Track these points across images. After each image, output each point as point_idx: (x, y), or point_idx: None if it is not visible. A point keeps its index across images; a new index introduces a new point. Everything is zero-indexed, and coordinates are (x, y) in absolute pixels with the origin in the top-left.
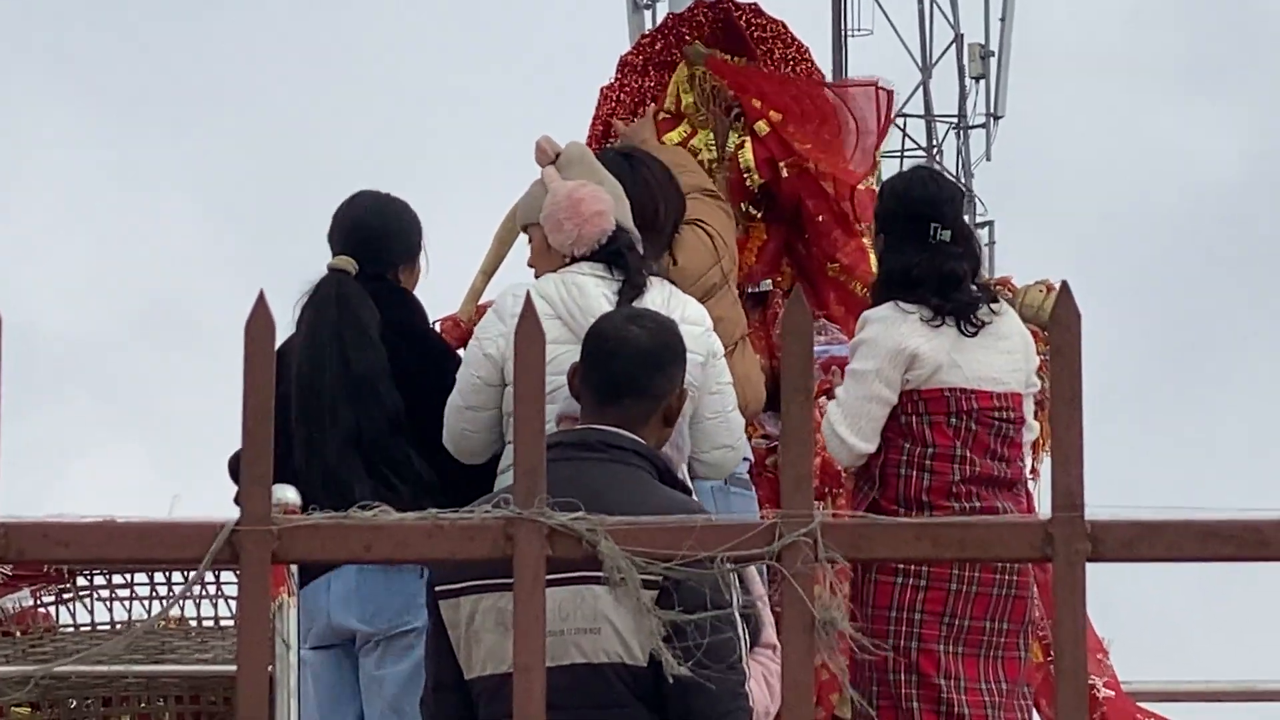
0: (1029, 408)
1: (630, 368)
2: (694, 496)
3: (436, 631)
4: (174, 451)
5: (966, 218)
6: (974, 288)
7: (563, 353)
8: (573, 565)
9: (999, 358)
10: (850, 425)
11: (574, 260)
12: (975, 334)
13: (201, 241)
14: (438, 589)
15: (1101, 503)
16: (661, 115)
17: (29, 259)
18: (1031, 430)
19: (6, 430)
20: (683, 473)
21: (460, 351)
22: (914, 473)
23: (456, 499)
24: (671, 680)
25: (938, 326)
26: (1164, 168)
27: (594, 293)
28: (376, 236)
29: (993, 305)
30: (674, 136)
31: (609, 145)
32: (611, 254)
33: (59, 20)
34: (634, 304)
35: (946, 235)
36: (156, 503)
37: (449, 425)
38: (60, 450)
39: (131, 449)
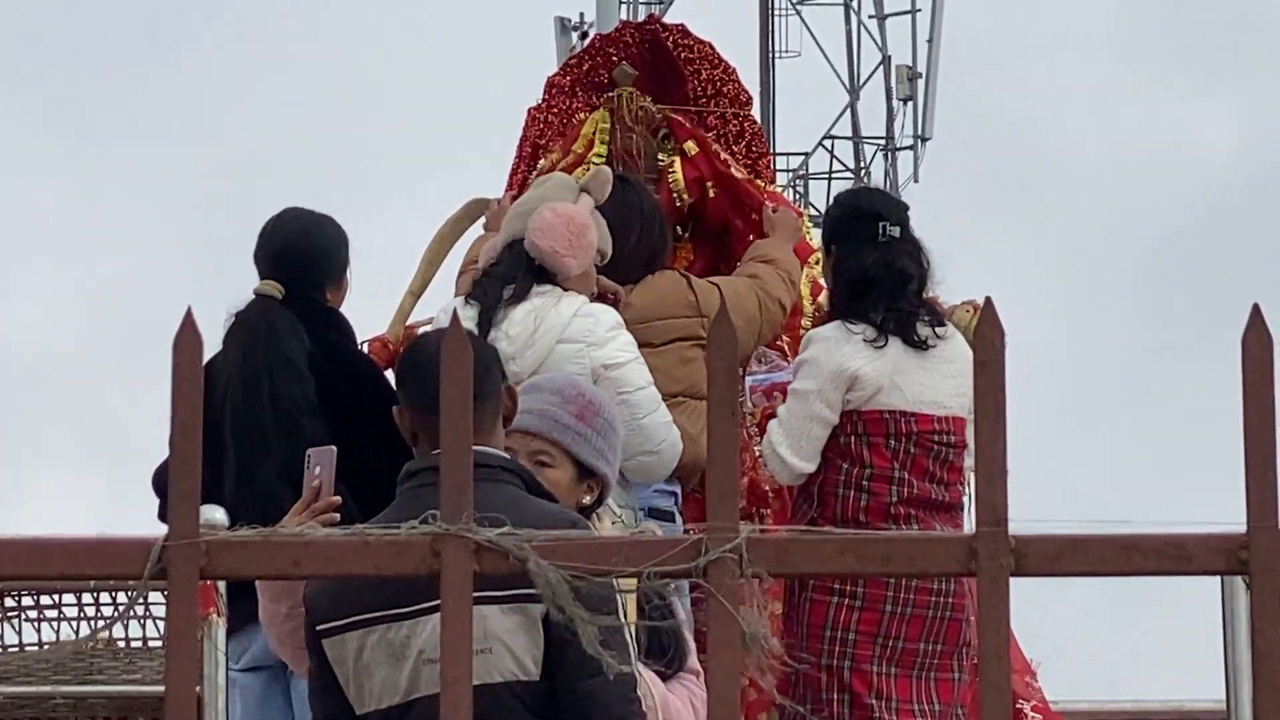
0: (970, 431)
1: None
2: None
3: (321, 670)
4: (136, 467)
5: None
6: (920, 303)
7: None
8: (480, 585)
9: (943, 381)
10: (790, 445)
11: None
12: (921, 352)
13: (168, 265)
14: (319, 628)
15: (1041, 516)
16: (568, 157)
17: (2, 283)
18: (973, 454)
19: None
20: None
21: (388, 372)
22: (851, 493)
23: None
24: (565, 693)
25: (881, 347)
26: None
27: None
28: (304, 258)
29: (938, 329)
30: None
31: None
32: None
33: (29, 51)
34: (497, 318)
35: (896, 231)
36: (116, 519)
37: None
38: (27, 466)
39: (96, 465)
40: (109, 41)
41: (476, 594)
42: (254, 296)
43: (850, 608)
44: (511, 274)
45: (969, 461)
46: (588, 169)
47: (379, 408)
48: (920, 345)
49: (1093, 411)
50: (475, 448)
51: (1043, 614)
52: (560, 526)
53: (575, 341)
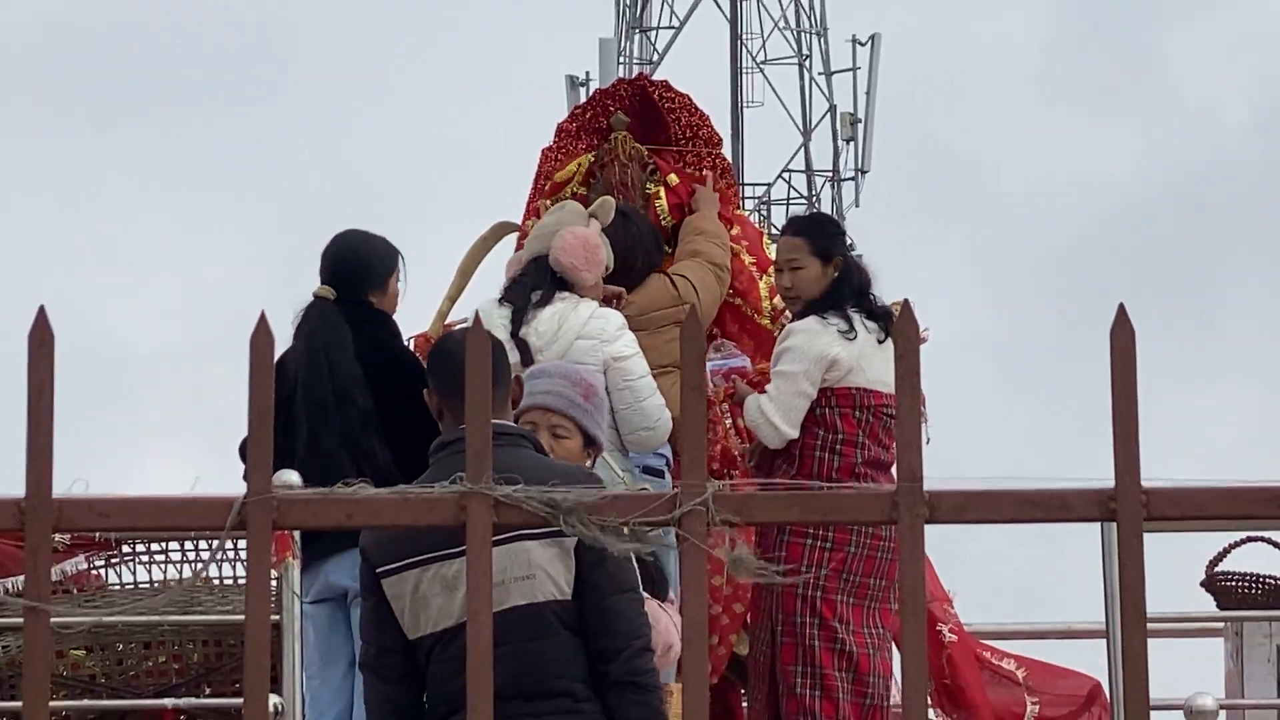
0: None
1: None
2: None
3: (378, 604)
4: (232, 441)
5: None
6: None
7: None
8: (509, 528)
9: (888, 365)
10: (782, 415)
11: None
12: (879, 342)
13: (255, 273)
14: (379, 570)
15: (963, 475)
16: (549, 183)
17: (121, 287)
18: None
19: (93, 426)
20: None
21: None
22: (826, 455)
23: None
24: (593, 608)
25: (852, 339)
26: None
27: (495, 317)
28: (351, 270)
29: (886, 325)
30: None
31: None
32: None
33: (139, 92)
34: (527, 318)
35: (857, 252)
36: (215, 482)
37: None
38: (137, 444)
39: (199, 439)
40: (204, 83)
41: (522, 532)
42: (312, 298)
43: (822, 549)
44: (537, 283)
45: None
46: (563, 198)
47: (415, 390)
48: (883, 334)
49: (1013, 385)
50: (495, 421)
51: (957, 552)
52: (577, 476)
53: (591, 338)
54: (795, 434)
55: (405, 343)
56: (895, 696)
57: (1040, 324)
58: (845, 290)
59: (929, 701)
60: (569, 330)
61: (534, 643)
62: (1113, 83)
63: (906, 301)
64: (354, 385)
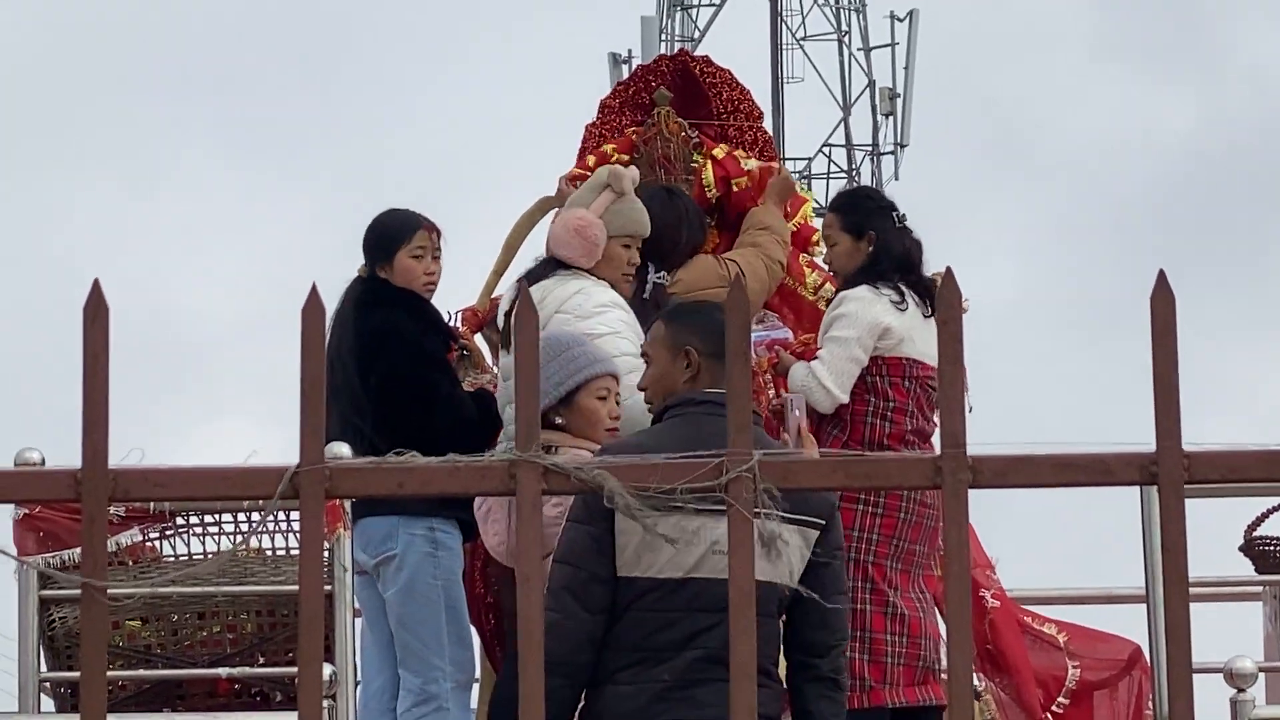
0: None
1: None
2: None
3: (602, 535)
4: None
5: None
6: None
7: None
8: (669, 493)
9: (933, 338)
10: (835, 380)
11: None
12: (926, 315)
13: (317, 249)
14: None
15: (1028, 438)
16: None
17: (184, 260)
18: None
19: (159, 396)
20: None
21: (479, 336)
22: (878, 421)
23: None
24: (816, 602)
25: (904, 309)
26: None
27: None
28: (366, 245)
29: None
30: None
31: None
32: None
33: (209, 78)
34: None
35: (904, 217)
36: (283, 452)
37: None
38: (202, 414)
39: (264, 408)
40: (268, 71)
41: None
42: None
43: (874, 515)
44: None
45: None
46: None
47: (415, 370)
48: (929, 309)
49: (1067, 349)
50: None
51: (1000, 521)
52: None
53: (566, 314)
54: (845, 398)
55: (425, 323)
56: (945, 661)
57: (1096, 286)
58: (883, 264)
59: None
60: (549, 305)
61: (759, 619)
62: (1168, 43)
63: (949, 270)
64: (349, 366)
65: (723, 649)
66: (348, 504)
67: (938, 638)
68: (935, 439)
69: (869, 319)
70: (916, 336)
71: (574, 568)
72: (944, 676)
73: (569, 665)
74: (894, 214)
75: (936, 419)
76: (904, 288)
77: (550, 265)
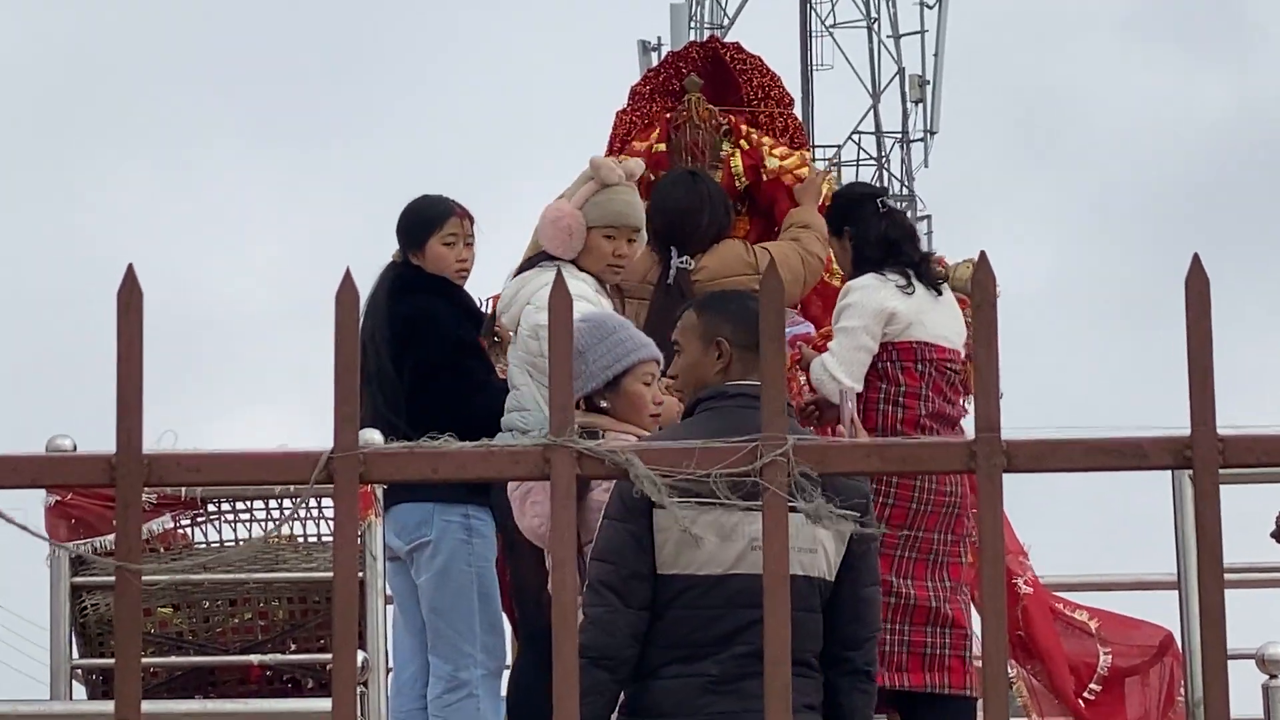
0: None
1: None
2: None
3: (643, 531)
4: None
5: (910, 213)
6: (924, 258)
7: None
8: (704, 479)
9: (950, 321)
10: (844, 369)
11: None
12: (936, 296)
13: (350, 236)
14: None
15: (1066, 421)
16: (657, 148)
17: (218, 248)
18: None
19: (189, 383)
20: None
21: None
22: (890, 408)
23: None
24: (850, 593)
25: (910, 293)
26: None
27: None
28: (397, 229)
29: (940, 282)
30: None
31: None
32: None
33: (241, 71)
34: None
35: (885, 208)
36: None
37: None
38: (233, 401)
39: (295, 394)
40: (301, 61)
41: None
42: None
43: (883, 504)
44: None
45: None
46: (653, 157)
47: (448, 357)
48: (937, 290)
49: (1104, 333)
50: (751, 382)
51: (1033, 509)
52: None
53: (532, 305)
54: (858, 387)
55: (458, 310)
56: (978, 648)
57: (1133, 270)
58: (867, 253)
59: None
60: (522, 296)
61: (800, 614)
62: (1205, 24)
63: (983, 254)
64: (382, 354)
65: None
66: (379, 490)
67: (962, 626)
68: (967, 423)
69: (874, 306)
70: (927, 319)
71: (614, 565)
72: (976, 665)
73: (614, 659)
74: (875, 200)
75: (964, 403)
76: (910, 271)
77: (541, 257)
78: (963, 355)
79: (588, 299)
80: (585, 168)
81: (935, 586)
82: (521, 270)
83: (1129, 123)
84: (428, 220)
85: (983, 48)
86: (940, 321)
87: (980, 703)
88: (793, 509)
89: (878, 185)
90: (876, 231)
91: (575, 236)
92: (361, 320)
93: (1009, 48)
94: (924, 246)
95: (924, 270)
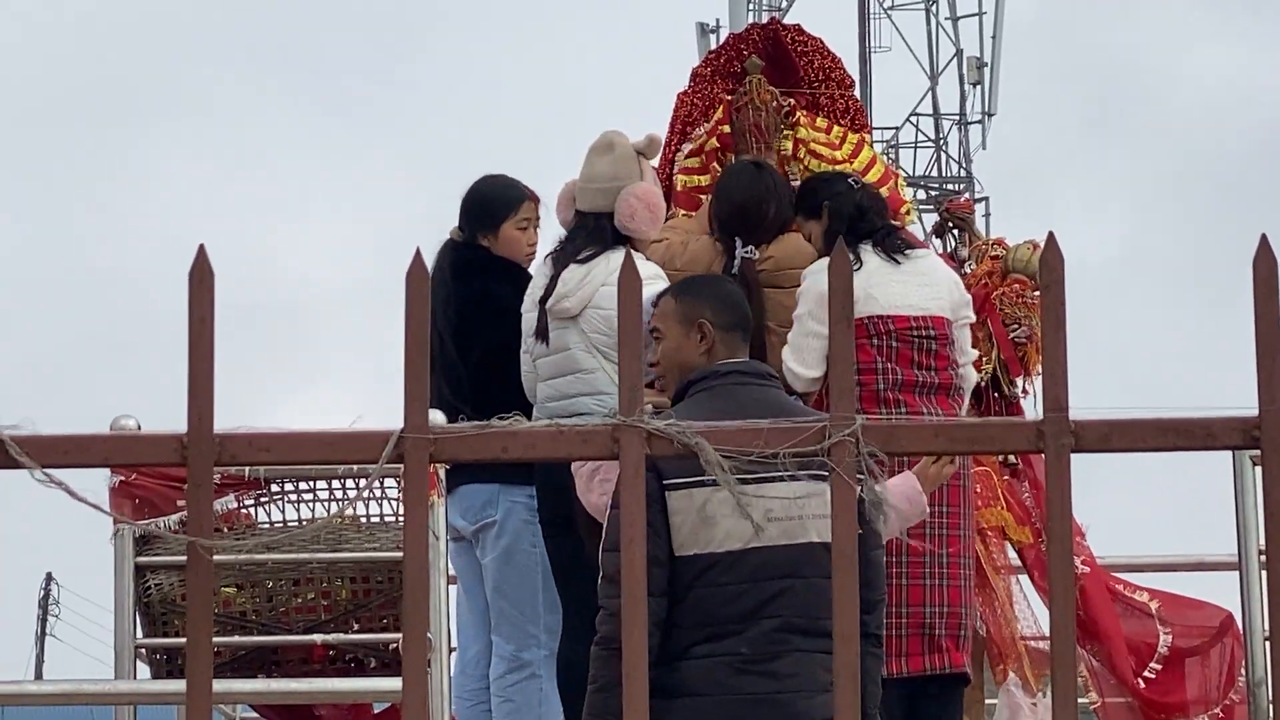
0: (962, 335)
1: (749, 314)
2: None
3: (656, 517)
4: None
5: (967, 195)
6: (887, 229)
7: (529, 318)
8: (808, 465)
9: (917, 289)
10: (796, 358)
11: None
12: (895, 265)
13: (415, 216)
14: (667, 482)
15: (1116, 404)
16: (722, 129)
17: (296, 232)
18: (965, 354)
19: (257, 363)
20: None
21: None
22: None
23: None
24: (862, 558)
25: (858, 269)
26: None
27: (539, 271)
28: (469, 209)
29: (907, 251)
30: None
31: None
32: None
33: (307, 55)
34: (566, 272)
35: (857, 184)
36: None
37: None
38: (308, 383)
39: (366, 374)
40: (365, 42)
41: (818, 472)
42: (447, 238)
43: None
44: (590, 242)
45: (963, 359)
46: (719, 138)
47: (502, 335)
48: (892, 259)
49: (1173, 312)
50: (757, 362)
51: (1089, 488)
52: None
53: (613, 287)
54: (815, 373)
55: (523, 292)
56: (1020, 628)
57: (1208, 242)
58: (835, 227)
59: None
60: (595, 277)
61: (822, 580)
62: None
63: (1050, 235)
64: (444, 335)
65: (797, 615)
66: (442, 470)
67: (958, 604)
68: (959, 390)
69: (816, 291)
70: (879, 292)
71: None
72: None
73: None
74: (847, 179)
75: (954, 369)
76: (865, 245)
77: (607, 245)
78: (946, 319)
79: (662, 278)
80: (627, 145)
81: (931, 559)
82: (566, 250)
83: (1199, 96)
84: (505, 203)
85: (1055, 19)
86: (899, 291)
87: (995, 675)
88: (805, 478)
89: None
90: (850, 205)
91: (662, 214)
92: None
93: (1081, 18)
94: (980, 227)
95: (886, 240)
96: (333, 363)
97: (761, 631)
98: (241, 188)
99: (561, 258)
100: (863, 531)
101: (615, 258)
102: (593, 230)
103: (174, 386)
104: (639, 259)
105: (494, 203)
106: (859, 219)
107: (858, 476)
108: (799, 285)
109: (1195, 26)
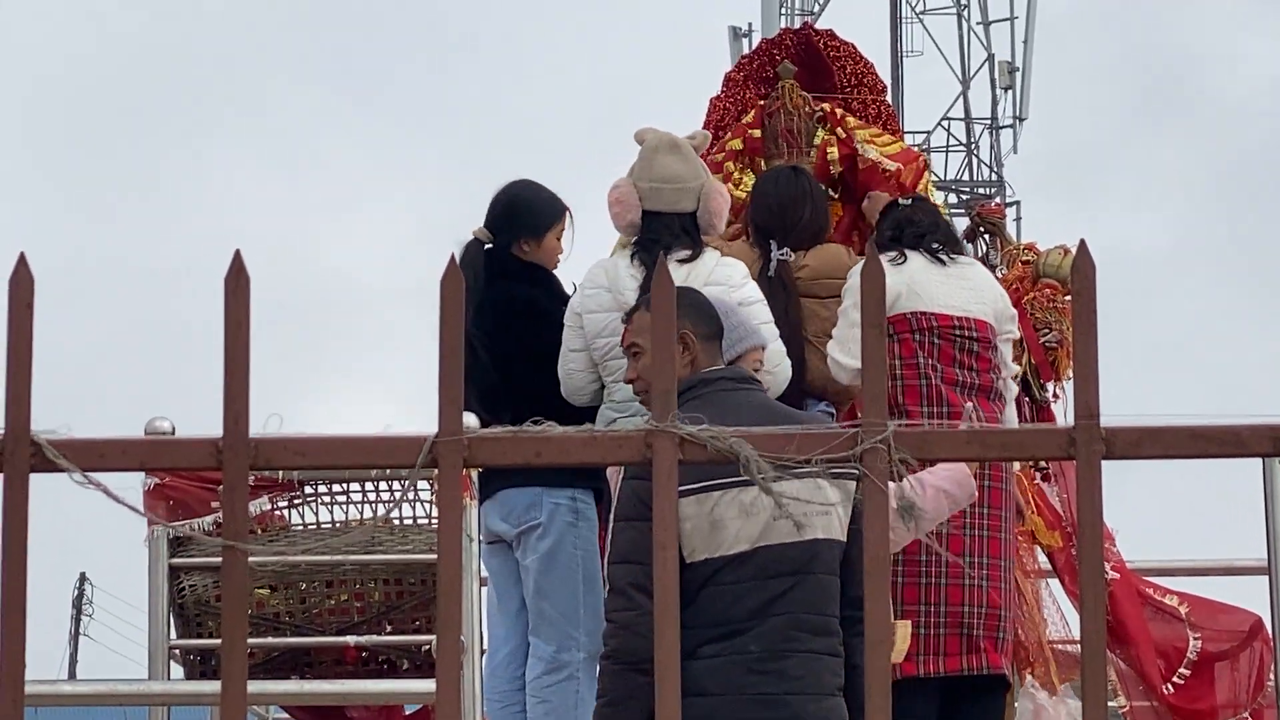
0: (1005, 349)
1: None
2: None
3: None
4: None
5: (998, 200)
6: (935, 235)
7: (611, 319)
8: (804, 463)
9: (963, 291)
10: (840, 349)
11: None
12: (941, 267)
13: (451, 216)
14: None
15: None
16: (753, 134)
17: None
18: (1007, 367)
19: (322, 357)
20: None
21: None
22: (888, 382)
23: None
24: (858, 555)
25: (900, 264)
26: None
27: (624, 273)
28: (509, 215)
29: (954, 256)
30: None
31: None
32: (639, 241)
33: (348, 58)
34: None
35: (908, 202)
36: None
37: (560, 365)
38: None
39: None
40: (403, 45)
41: (815, 472)
42: (470, 239)
43: None
44: (672, 241)
45: (1005, 371)
46: (747, 141)
47: (543, 345)
48: (938, 261)
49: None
50: (738, 368)
51: (1120, 492)
52: (804, 421)
53: (720, 284)
54: (858, 364)
55: (557, 297)
56: (1048, 631)
57: (1252, 243)
58: (881, 238)
59: None
60: (696, 278)
61: (825, 577)
62: None
63: (1082, 241)
64: (476, 343)
65: (805, 612)
66: (474, 474)
67: (997, 606)
68: (1000, 395)
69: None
70: (923, 290)
71: (639, 564)
72: (1063, 648)
73: (649, 660)
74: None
75: (997, 375)
76: (911, 244)
77: (695, 244)
78: (990, 325)
79: (750, 279)
80: (688, 143)
81: (972, 563)
82: (651, 252)
83: (1253, 88)
84: (553, 213)
85: (1106, 9)
86: (943, 290)
87: (1021, 678)
88: (805, 476)
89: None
90: (890, 218)
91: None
92: None
93: (1132, 8)
94: (1011, 232)
95: (931, 243)
96: (382, 364)
97: (770, 628)
98: (292, 186)
99: (649, 259)
100: (858, 529)
101: (710, 258)
102: (679, 231)
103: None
104: (732, 260)
105: (541, 211)
106: (907, 227)
107: (888, 481)
108: (835, 296)
109: (1242, 20)
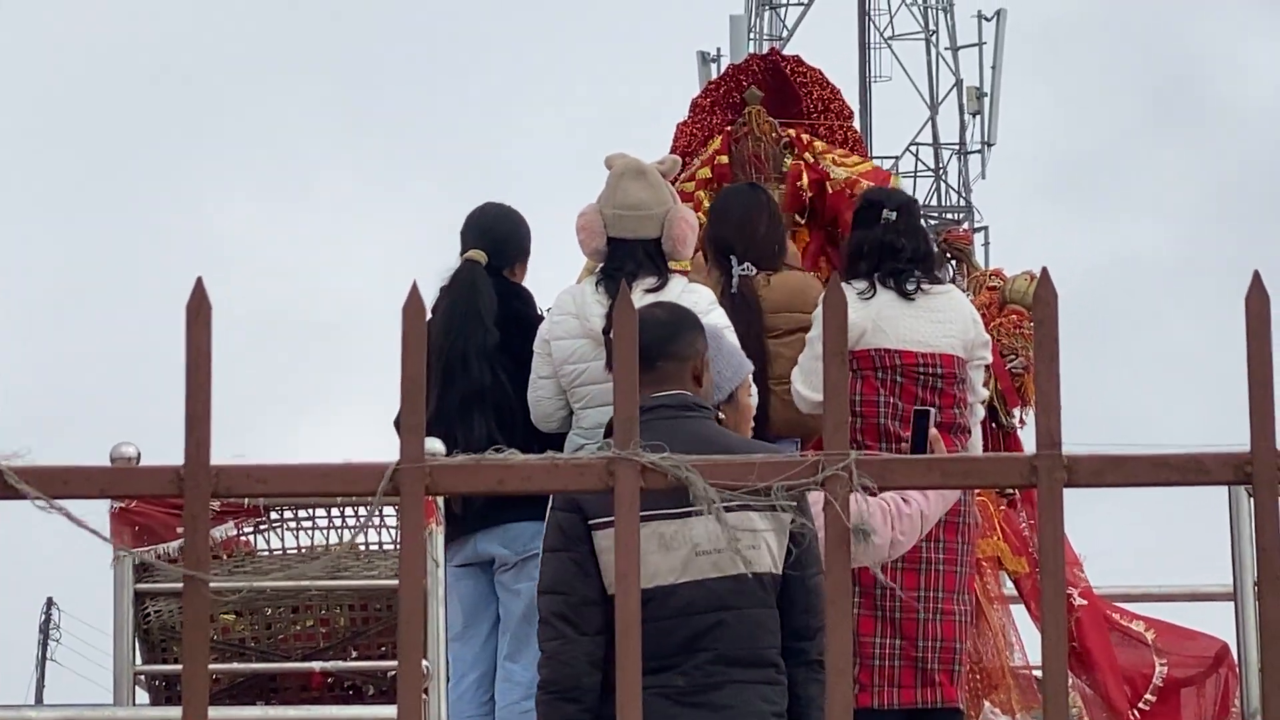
0: (975, 375)
1: (655, 337)
2: None
3: (585, 558)
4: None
5: (966, 225)
6: (914, 266)
7: (578, 345)
8: (736, 496)
9: (930, 326)
10: (804, 381)
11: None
12: (909, 302)
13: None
14: (593, 521)
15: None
16: (719, 160)
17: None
18: (975, 393)
19: (317, 381)
20: None
21: None
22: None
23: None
24: (799, 585)
25: (869, 299)
26: None
27: (591, 299)
28: (501, 239)
29: (929, 286)
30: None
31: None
32: (604, 268)
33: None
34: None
35: (893, 216)
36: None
37: (529, 392)
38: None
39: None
40: (391, 74)
41: (747, 502)
42: (463, 261)
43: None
44: (637, 269)
45: (972, 398)
46: (714, 168)
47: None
48: (908, 296)
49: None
50: (681, 393)
51: (1088, 519)
52: (754, 449)
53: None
54: (820, 397)
55: (539, 319)
56: (1013, 657)
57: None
58: (851, 257)
59: None
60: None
61: (757, 610)
62: None
63: (1044, 270)
64: (476, 355)
65: (732, 647)
66: (440, 499)
67: (952, 638)
68: (962, 428)
69: None
70: (889, 326)
71: (563, 595)
72: (1023, 673)
73: (578, 689)
74: (880, 209)
75: (960, 410)
76: (877, 278)
77: (661, 272)
78: (958, 358)
79: (717, 305)
80: (654, 169)
81: (926, 597)
82: (615, 279)
83: (1258, 99)
84: (529, 235)
85: (1104, 18)
86: (911, 326)
87: (979, 706)
88: (734, 508)
89: (902, 193)
90: (855, 241)
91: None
92: (455, 328)
93: (1140, 14)
94: (980, 259)
95: (900, 277)
96: (377, 384)
97: (696, 664)
98: (287, 209)
99: (613, 287)
100: (803, 559)
101: (676, 284)
102: (642, 258)
103: (217, 403)
104: (698, 287)
105: (527, 237)
106: (888, 257)
107: (795, 507)
108: (797, 332)
109: (1248, 26)
